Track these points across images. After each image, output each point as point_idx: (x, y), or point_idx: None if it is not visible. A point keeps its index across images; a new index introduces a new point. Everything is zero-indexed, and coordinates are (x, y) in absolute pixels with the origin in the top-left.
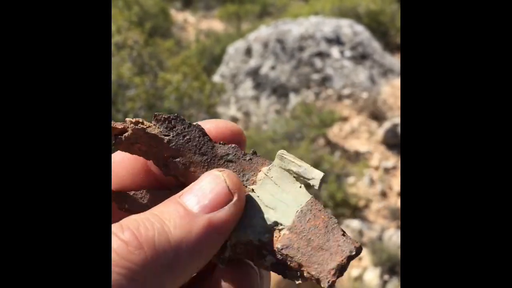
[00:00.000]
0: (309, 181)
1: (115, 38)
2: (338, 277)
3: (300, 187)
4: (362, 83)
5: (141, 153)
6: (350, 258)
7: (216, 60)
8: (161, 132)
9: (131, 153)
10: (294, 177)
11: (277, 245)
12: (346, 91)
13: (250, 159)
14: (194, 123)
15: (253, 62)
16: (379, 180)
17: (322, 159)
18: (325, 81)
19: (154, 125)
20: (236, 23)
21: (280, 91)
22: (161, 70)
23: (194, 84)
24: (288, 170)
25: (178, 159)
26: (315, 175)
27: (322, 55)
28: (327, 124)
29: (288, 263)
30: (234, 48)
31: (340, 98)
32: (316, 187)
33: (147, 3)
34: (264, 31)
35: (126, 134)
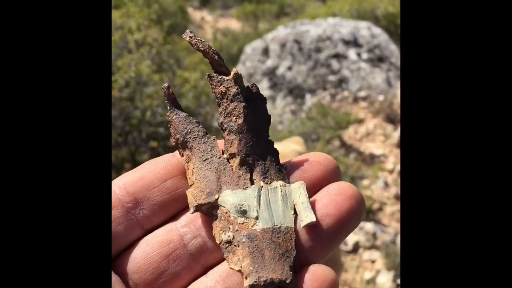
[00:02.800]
0: (301, 217)
1: (135, 36)
2: (261, 285)
3: (293, 214)
4: (378, 85)
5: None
6: (281, 283)
7: (233, 59)
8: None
9: (198, 49)
10: (294, 204)
11: (244, 231)
12: (362, 94)
13: (279, 168)
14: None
15: (270, 62)
16: (394, 184)
17: (337, 160)
18: (342, 82)
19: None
20: (253, 23)
21: (296, 92)
22: (179, 68)
23: None
24: (295, 198)
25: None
26: (308, 217)
27: (339, 56)
28: (342, 126)
29: (238, 248)
30: (252, 48)
31: (356, 100)
32: (301, 226)
33: (166, 1)
34: (282, 31)
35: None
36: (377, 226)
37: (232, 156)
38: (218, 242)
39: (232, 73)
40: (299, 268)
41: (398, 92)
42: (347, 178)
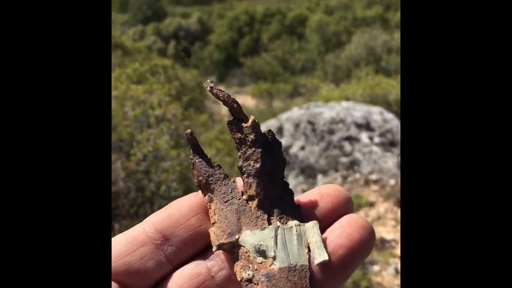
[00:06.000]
0: (314, 255)
1: (156, 112)
2: None
3: (307, 252)
4: (390, 169)
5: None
6: None
7: None
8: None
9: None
10: (308, 243)
11: (263, 270)
12: (373, 177)
13: (294, 208)
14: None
15: (283, 141)
16: None
17: None
18: (354, 165)
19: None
20: (267, 101)
21: (308, 172)
22: None
23: (226, 160)
24: (309, 237)
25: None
26: (321, 256)
27: (351, 139)
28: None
29: (257, 286)
30: (266, 127)
31: (367, 183)
32: (314, 264)
33: (185, 77)
34: (296, 112)
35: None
36: None
37: (250, 198)
38: (239, 279)
39: (250, 120)
40: None
41: None
42: None
